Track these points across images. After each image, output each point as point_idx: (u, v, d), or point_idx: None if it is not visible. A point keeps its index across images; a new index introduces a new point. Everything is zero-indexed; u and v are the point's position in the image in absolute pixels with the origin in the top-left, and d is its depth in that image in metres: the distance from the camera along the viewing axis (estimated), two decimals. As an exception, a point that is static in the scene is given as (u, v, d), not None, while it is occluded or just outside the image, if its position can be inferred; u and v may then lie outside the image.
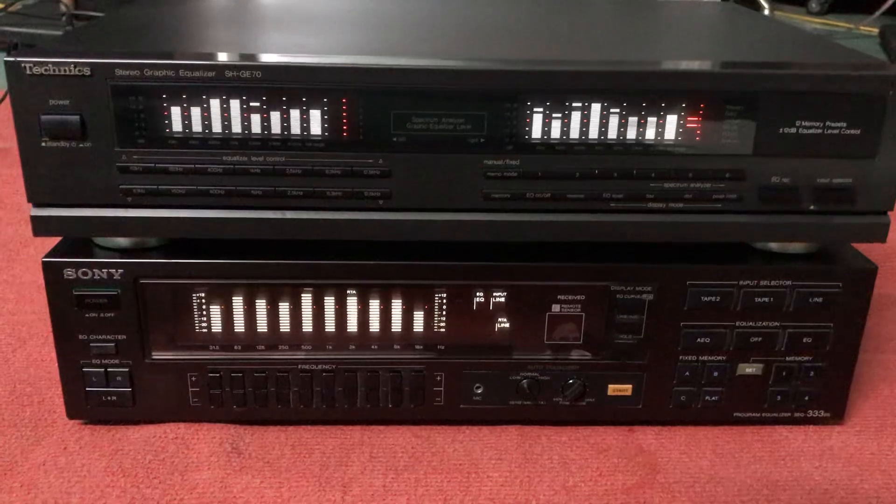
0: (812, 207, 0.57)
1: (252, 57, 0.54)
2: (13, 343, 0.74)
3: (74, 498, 0.56)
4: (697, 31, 0.74)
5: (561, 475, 0.59)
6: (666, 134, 0.55)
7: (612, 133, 0.55)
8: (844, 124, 0.55)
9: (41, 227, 0.56)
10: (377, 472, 0.59)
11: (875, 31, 2.19)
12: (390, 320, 0.61)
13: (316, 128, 0.54)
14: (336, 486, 0.58)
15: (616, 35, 0.71)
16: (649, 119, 0.55)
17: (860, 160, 0.56)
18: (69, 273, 0.57)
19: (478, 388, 0.62)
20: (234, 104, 0.53)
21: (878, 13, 2.17)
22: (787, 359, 0.62)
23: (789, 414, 0.64)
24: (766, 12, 2.11)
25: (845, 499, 0.58)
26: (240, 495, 0.56)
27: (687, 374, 0.62)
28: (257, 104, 0.53)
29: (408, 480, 0.58)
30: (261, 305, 0.60)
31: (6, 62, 0.52)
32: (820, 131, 0.55)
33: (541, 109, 0.54)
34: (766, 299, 0.60)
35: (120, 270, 0.57)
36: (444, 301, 0.60)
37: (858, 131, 0.55)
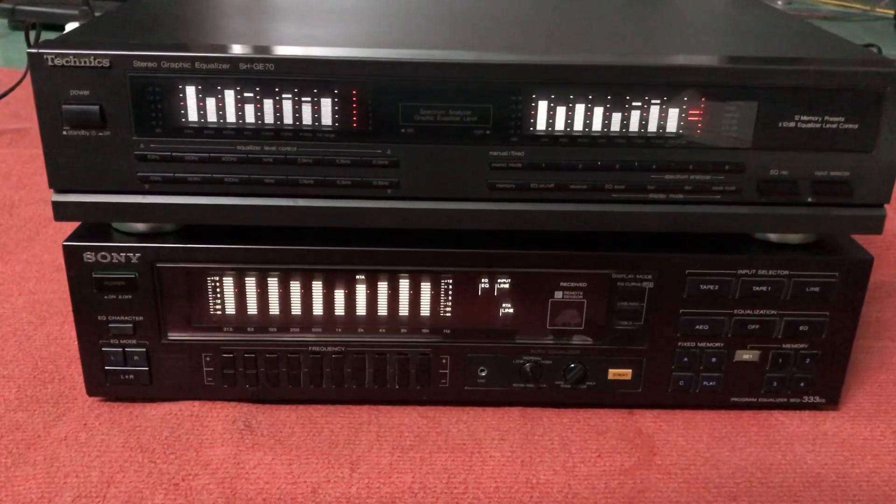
0: (810, 200, 0.59)
1: (265, 49, 0.56)
2: (34, 321, 0.76)
3: (94, 471, 0.58)
4: (700, 24, 0.75)
5: (561, 456, 0.62)
6: (667, 127, 0.57)
7: (615, 125, 0.57)
8: (842, 119, 0.56)
9: (62, 212, 0.58)
10: (384, 450, 0.62)
11: (891, 13, 2.17)
12: (398, 305, 0.63)
13: (327, 119, 0.56)
14: (344, 464, 0.60)
15: (619, 28, 0.71)
16: (651, 112, 0.56)
17: (857, 154, 0.57)
18: (89, 257, 0.60)
19: (482, 370, 0.65)
20: (248, 95, 0.55)
21: (894, -5, 2.15)
22: (784, 346, 0.64)
23: (785, 399, 0.66)
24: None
25: (836, 482, 0.60)
26: (252, 471, 0.59)
27: (685, 359, 0.64)
28: (270, 95, 0.55)
29: (413, 459, 0.61)
30: (273, 289, 0.62)
31: (29, 54, 0.53)
32: (818, 126, 0.57)
33: (545, 102, 0.56)
34: (764, 288, 0.62)
35: (137, 254, 0.60)
36: (451, 287, 0.62)
37: (856, 126, 0.57)
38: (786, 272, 0.61)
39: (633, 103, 0.56)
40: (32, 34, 1.34)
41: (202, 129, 0.56)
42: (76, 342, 0.63)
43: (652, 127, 0.57)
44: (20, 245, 0.91)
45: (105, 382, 0.64)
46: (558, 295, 0.63)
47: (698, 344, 0.64)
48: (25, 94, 1.26)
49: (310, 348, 0.63)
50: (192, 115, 0.55)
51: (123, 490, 0.57)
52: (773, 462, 0.62)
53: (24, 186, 1.05)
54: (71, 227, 0.62)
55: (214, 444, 0.61)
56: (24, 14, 1.76)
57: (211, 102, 0.55)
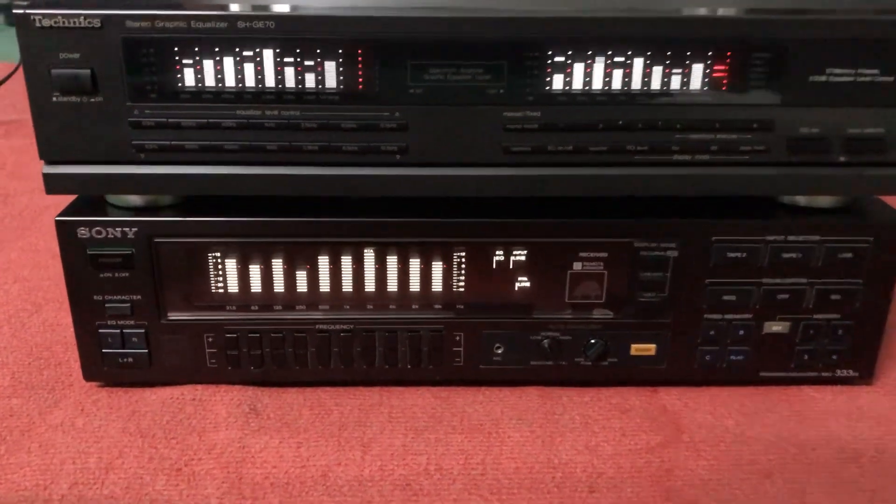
0: (842, 159, 0.56)
1: (265, 7, 0.53)
2: (29, 308, 0.73)
3: (92, 457, 0.55)
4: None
5: (583, 435, 0.58)
6: (692, 83, 0.54)
7: (636, 83, 0.54)
8: (877, 71, 0.53)
9: (53, 184, 0.55)
10: (397, 431, 0.58)
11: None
12: (408, 279, 0.60)
13: (331, 80, 0.53)
14: (356, 446, 0.57)
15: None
16: (674, 68, 0.53)
17: (893, 109, 0.54)
18: (83, 232, 0.57)
19: (498, 348, 0.61)
20: (248, 56, 0.52)
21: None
22: (815, 317, 0.61)
23: (817, 373, 0.63)
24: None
25: (875, 457, 0.57)
26: (258, 455, 0.56)
27: (712, 332, 0.61)
28: (271, 56, 0.52)
29: (428, 440, 0.58)
30: (277, 264, 0.59)
31: (15, 14, 0.51)
32: (851, 79, 0.54)
33: (562, 59, 0.53)
34: (794, 255, 0.59)
35: (134, 229, 0.57)
36: (463, 259, 0.59)
37: (892, 78, 0.53)
38: (817, 237, 0.58)
39: (656, 59, 0.53)
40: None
41: (200, 94, 0.53)
42: (72, 328, 0.60)
43: (675, 84, 0.54)
44: (15, 234, 0.88)
45: (102, 366, 0.61)
46: (577, 266, 0.60)
47: (725, 316, 0.61)
48: (20, 87, 1.23)
49: (317, 327, 0.60)
50: (189, 79, 0.52)
51: (123, 476, 0.54)
52: (807, 438, 0.59)
53: (19, 177, 1.03)
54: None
55: (218, 428, 0.58)
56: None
57: (208, 65, 0.52)
